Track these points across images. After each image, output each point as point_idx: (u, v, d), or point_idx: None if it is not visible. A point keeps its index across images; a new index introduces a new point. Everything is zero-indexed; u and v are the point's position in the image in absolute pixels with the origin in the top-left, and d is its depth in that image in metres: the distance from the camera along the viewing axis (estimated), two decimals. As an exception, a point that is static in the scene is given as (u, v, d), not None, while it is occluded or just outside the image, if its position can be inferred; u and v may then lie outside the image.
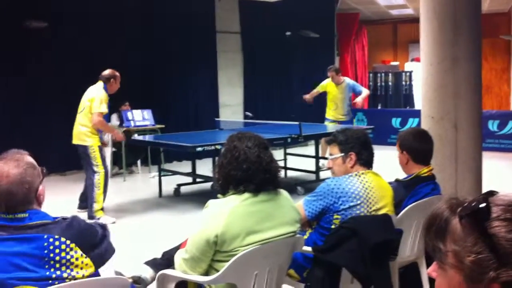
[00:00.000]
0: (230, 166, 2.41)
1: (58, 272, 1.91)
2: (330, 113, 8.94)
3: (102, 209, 5.88)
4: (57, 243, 1.92)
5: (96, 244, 2.06)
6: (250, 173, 2.38)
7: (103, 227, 2.16)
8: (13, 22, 8.09)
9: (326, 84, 8.83)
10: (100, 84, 5.94)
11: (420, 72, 4.74)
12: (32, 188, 2.00)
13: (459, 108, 4.46)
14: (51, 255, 1.91)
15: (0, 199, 1.96)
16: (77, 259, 1.95)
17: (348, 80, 8.93)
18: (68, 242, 1.94)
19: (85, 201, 6.11)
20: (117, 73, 6.07)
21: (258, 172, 2.39)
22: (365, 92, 8.90)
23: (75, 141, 5.92)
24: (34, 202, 2.02)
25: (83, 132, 5.83)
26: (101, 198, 5.85)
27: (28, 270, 1.88)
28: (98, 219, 5.70)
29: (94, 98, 5.78)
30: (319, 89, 8.92)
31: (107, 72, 6.01)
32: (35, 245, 1.90)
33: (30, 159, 2.06)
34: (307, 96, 8.85)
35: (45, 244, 1.91)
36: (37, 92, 8.48)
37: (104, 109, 5.79)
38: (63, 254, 1.92)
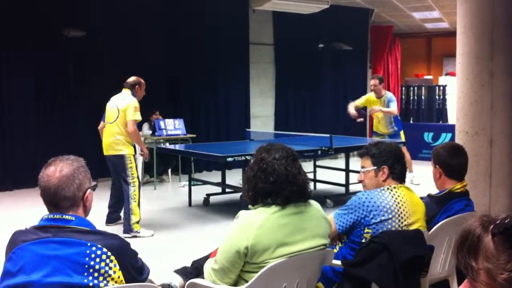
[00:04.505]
0: (257, 179, 2.40)
1: (96, 281, 1.92)
2: (375, 127, 8.60)
3: (138, 222, 5.68)
4: (99, 252, 1.94)
5: (138, 268, 2.12)
6: (277, 185, 2.36)
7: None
8: (52, 29, 8.31)
9: (366, 99, 8.45)
10: (127, 92, 5.81)
11: (456, 86, 4.68)
12: (82, 188, 2.04)
13: (494, 123, 4.39)
14: (92, 263, 1.92)
15: (50, 194, 2.00)
16: (114, 272, 1.97)
17: (389, 95, 8.35)
18: (109, 254, 1.95)
19: (114, 212, 6.08)
20: (142, 80, 5.97)
21: (285, 185, 2.37)
22: (389, 109, 8.14)
23: (108, 151, 5.75)
24: (81, 206, 2.06)
25: (119, 141, 5.67)
26: (138, 210, 5.66)
27: (66, 275, 1.89)
28: (138, 232, 5.61)
29: (129, 106, 5.65)
30: (357, 103, 8.44)
31: (132, 79, 5.92)
32: (77, 251, 1.92)
33: (84, 163, 2.12)
34: (350, 111, 8.30)
35: (88, 251, 1.92)
36: (71, 98, 8.68)
37: (139, 116, 5.70)
38: (102, 264, 1.94)
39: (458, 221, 2.96)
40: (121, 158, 5.67)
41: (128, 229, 5.61)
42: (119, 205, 5.99)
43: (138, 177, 5.76)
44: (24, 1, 8.12)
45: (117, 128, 5.70)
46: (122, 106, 5.69)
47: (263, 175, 2.39)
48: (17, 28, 8.12)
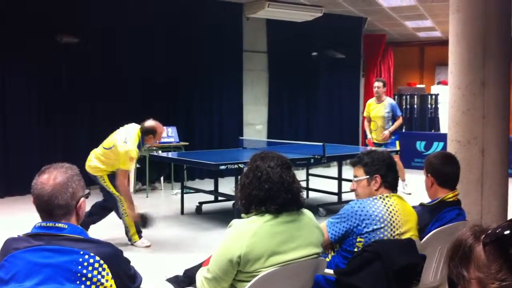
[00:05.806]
0: (252, 186, 2.41)
1: None
2: (373, 135, 8.74)
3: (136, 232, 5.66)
4: (91, 260, 1.93)
5: (131, 276, 2.11)
6: (272, 193, 2.37)
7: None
8: (46, 35, 8.27)
9: (368, 106, 8.76)
10: (137, 133, 5.43)
11: (448, 95, 4.71)
12: (75, 196, 2.04)
13: (486, 132, 4.41)
14: (84, 271, 1.91)
15: (43, 202, 1.99)
16: (107, 280, 1.96)
17: (390, 100, 8.76)
18: (102, 262, 1.95)
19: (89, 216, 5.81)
20: (160, 130, 5.55)
21: (280, 193, 2.38)
22: (398, 121, 8.58)
23: (86, 166, 5.50)
24: (74, 214, 2.05)
25: (97, 168, 5.49)
26: (132, 222, 5.58)
27: (58, 283, 1.89)
28: (135, 242, 5.61)
29: (126, 153, 5.28)
30: (365, 114, 8.88)
31: (150, 124, 5.48)
32: (69, 259, 1.91)
33: (78, 171, 2.12)
34: (371, 139, 8.75)
35: (80, 259, 1.92)
36: (65, 104, 8.64)
37: (130, 167, 5.42)
38: (95, 272, 1.93)
39: (450, 230, 2.97)
40: (95, 177, 5.54)
41: (129, 239, 5.67)
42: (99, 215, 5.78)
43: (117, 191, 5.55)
44: (22, 4, 8.09)
45: (103, 157, 5.49)
46: (120, 148, 5.32)
47: (258, 182, 2.39)
48: (13, 30, 8.09)
